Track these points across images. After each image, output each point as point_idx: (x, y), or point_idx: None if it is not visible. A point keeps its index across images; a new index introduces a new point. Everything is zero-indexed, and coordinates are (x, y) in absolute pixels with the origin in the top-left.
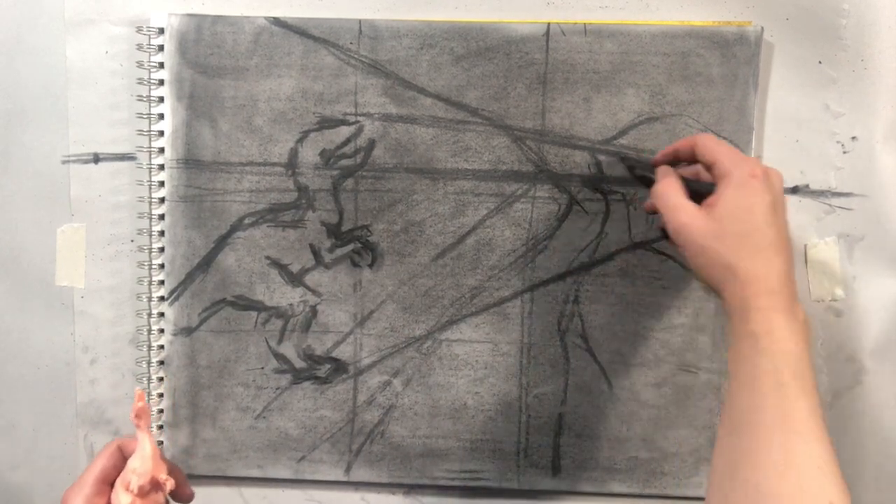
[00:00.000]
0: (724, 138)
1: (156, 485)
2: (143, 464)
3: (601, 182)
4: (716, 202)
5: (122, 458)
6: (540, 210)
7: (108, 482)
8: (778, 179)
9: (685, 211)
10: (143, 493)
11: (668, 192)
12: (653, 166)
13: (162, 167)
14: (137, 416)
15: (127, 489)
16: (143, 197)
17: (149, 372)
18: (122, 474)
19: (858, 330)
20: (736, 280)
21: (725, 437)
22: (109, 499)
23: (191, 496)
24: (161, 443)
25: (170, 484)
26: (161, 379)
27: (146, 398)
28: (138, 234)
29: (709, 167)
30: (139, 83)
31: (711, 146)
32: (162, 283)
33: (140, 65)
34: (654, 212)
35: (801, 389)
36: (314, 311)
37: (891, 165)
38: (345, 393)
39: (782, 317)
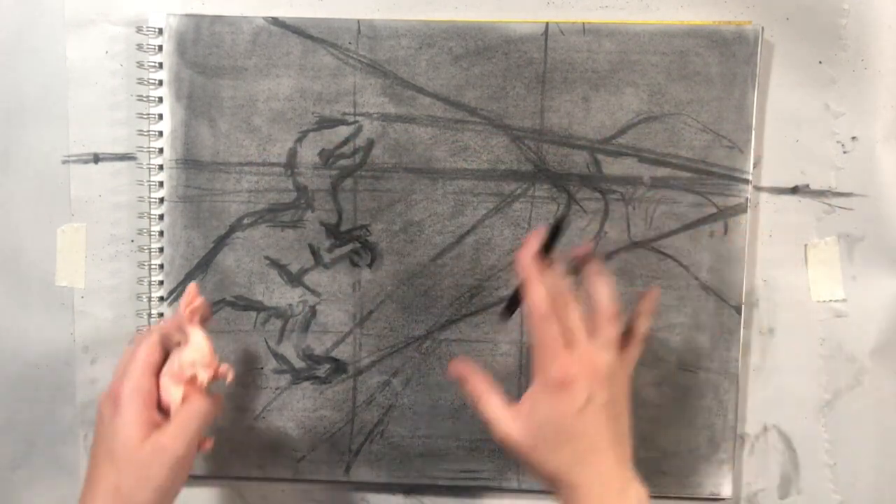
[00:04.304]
0: (723, 137)
1: (214, 377)
2: (203, 357)
3: (600, 181)
4: (531, 403)
5: (163, 350)
6: (539, 209)
7: (154, 373)
8: (597, 375)
9: (503, 422)
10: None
11: (485, 402)
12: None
13: (161, 167)
14: (193, 311)
15: (184, 382)
16: (142, 197)
17: None
18: (168, 366)
19: (858, 330)
20: (559, 487)
21: None
22: (159, 390)
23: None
24: None
25: (231, 374)
26: None
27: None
28: (138, 234)
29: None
30: (139, 83)
31: (531, 328)
32: (161, 283)
33: (140, 65)
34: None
35: None
36: (313, 311)
37: (891, 165)
38: (344, 393)
39: None
